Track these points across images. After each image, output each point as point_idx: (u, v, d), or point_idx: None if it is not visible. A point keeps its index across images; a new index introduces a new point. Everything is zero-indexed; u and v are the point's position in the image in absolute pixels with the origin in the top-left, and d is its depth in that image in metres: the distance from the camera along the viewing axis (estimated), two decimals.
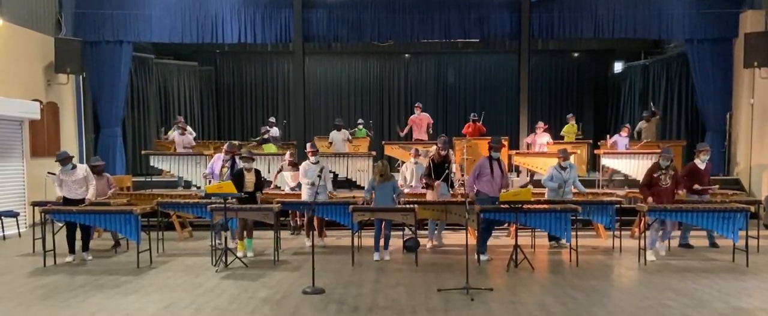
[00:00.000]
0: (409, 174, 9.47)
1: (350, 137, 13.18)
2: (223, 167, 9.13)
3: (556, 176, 8.61)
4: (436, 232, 8.98)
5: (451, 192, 8.99)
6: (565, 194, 8.57)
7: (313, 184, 8.43)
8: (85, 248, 8.03)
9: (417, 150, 9.73)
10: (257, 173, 8.35)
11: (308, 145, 9.23)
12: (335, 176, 11.80)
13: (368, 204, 7.97)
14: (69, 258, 7.87)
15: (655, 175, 7.85)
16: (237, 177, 8.16)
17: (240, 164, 8.58)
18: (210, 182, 9.29)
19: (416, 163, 9.50)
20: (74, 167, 8.03)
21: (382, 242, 7.95)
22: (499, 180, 7.85)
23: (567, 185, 8.60)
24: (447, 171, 8.65)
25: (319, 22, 13.31)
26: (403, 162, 11.82)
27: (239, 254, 7.84)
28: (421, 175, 9.15)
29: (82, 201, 7.93)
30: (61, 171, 7.98)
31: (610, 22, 13.00)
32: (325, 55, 18.41)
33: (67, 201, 7.93)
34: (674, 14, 12.79)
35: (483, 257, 7.68)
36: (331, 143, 12.97)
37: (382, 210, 7.76)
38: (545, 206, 7.86)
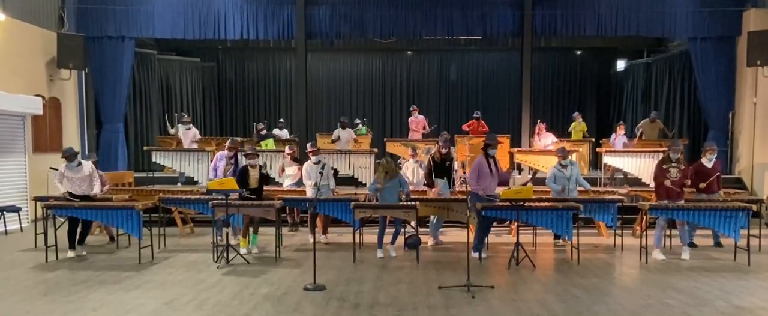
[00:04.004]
0: (410, 173, 9.48)
1: (356, 137, 13.12)
2: (227, 164, 8.97)
3: (558, 176, 8.56)
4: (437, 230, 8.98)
5: (452, 190, 8.98)
6: (569, 191, 8.51)
7: (316, 184, 8.38)
8: (81, 241, 8.04)
9: (414, 149, 9.75)
10: (262, 168, 8.29)
11: (309, 145, 9.12)
12: (336, 172, 11.78)
13: (372, 200, 7.97)
14: (70, 253, 7.85)
15: (664, 166, 7.81)
16: (242, 174, 8.14)
17: (243, 161, 8.56)
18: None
19: (416, 161, 9.53)
20: (80, 163, 8.02)
21: (387, 239, 7.96)
22: (496, 177, 7.82)
23: (571, 183, 8.54)
24: (449, 169, 8.64)
25: (321, 18, 13.30)
26: (406, 160, 11.84)
27: (243, 251, 7.79)
28: (424, 174, 9.17)
29: (86, 197, 7.94)
30: (67, 167, 7.95)
31: (613, 20, 12.98)
32: (327, 51, 18.40)
33: (72, 197, 7.94)
34: (677, 12, 12.77)
35: (480, 255, 7.68)
36: (334, 141, 12.91)
37: (385, 207, 7.77)
38: (547, 203, 7.86)
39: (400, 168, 9.37)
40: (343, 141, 12.77)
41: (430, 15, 13.20)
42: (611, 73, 18.73)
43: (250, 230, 8.14)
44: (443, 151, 8.80)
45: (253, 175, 8.11)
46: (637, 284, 6.49)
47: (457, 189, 9.38)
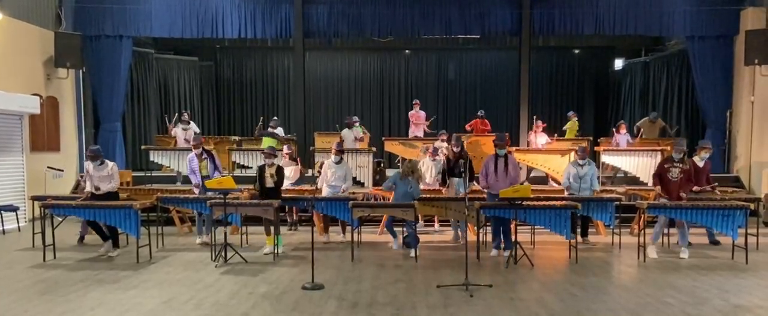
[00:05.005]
0: (425, 170, 9.51)
1: (362, 136, 13.09)
2: (201, 161, 8.78)
3: (573, 174, 8.61)
4: (459, 230, 9.00)
5: (469, 188, 8.95)
6: (582, 190, 8.53)
7: (342, 188, 8.67)
8: (116, 244, 8.01)
9: (436, 149, 9.82)
10: (279, 168, 8.23)
11: (334, 145, 9.07)
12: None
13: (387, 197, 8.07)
14: (102, 249, 7.99)
15: (665, 165, 7.82)
16: (259, 172, 8.18)
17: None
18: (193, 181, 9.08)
19: (434, 160, 9.57)
20: (104, 162, 8.02)
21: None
22: (505, 177, 7.80)
23: (584, 182, 8.56)
24: (462, 168, 8.63)
25: (319, 17, 13.27)
26: (403, 159, 11.86)
27: (267, 249, 7.91)
28: (438, 172, 9.28)
29: (106, 196, 7.93)
30: (93, 167, 7.96)
31: (611, 19, 12.98)
32: (325, 50, 18.37)
33: (93, 197, 7.93)
34: (675, 11, 12.77)
35: (494, 252, 7.79)
36: (342, 141, 12.90)
37: (383, 206, 7.77)
38: (545, 202, 7.86)
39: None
40: (348, 141, 12.78)
41: (428, 14, 13.18)
42: (609, 72, 18.74)
43: (272, 230, 7.99)
44: (455, 149, 8.85)
45: (270, 173, 8.11)
46: (635, 282, 6.49)
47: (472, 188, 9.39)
